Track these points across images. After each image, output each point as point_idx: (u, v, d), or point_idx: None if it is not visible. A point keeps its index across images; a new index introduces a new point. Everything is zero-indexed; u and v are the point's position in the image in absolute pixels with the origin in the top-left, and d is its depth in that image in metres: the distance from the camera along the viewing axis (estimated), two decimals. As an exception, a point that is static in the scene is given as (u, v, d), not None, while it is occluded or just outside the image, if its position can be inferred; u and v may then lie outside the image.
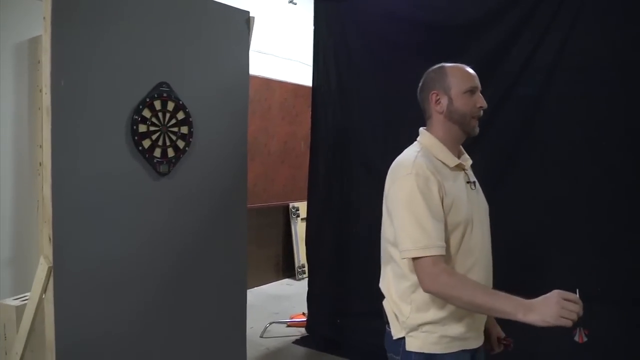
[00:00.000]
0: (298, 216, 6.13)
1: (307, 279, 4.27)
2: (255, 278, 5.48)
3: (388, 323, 1.73)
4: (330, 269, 3.97)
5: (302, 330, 4.22)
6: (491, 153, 2.99)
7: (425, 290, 1.54)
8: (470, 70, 1.74)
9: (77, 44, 2.35)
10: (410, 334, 1.65)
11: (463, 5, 3.31)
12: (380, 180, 3.63)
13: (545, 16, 3.01)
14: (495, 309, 1.44)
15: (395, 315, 1.69)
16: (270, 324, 4.38)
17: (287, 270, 6.12)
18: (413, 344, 1.64)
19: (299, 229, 6.04)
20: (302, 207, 5.94)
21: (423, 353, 1.63)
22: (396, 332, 1.68)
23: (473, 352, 1.71)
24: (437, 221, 1.55)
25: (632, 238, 2.80)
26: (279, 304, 5.10)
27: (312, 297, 4.09)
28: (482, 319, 1.73)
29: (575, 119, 2.94)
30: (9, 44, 3.47)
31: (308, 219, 4.17)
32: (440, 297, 1.54)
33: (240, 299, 3.23)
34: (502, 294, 1.45)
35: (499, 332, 1.89)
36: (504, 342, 1.88)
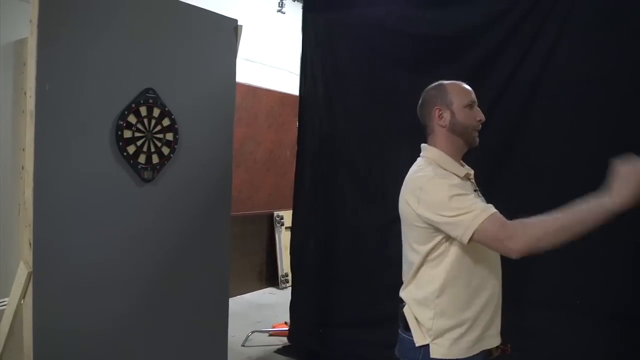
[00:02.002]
0: (282, 225, 6.11)
1: (290, 288, 4.25)
2: (238, 286, 5.44)
3: (405, 330, 1.77)
4: (314, 279, 3.97)
5: (285, 340, 4.20)
6: (477, 163, 3.03)
7: (517, 254, 1.52)
8: (467, 86, 1.84)
9: (63, 48, 2.35)
10: (435, 341, 1.69)
11: (450, 18, 3.34)
12: (366, 189, 3.70)
13: (531, 30, 3.05)
14: (586, 220, 1.47)
15: (419, 322, 1.73)
16: (253, 332, 4.35)
17: (271, 279, 6.09)
18: (437, 351, 1.68)
19: (283, 238, 6.02)
20: (287, 215, 5.93)
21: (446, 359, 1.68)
22: (419, 340, 1.72)
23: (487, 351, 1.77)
24: (472, 197, 1.64)
25: (611, 251, 2.83)
26: (261, 313, 5.07)
27: (295, 307, 4.08)
28: (499, 316, 1.79)
29: (560, 131, 2.98)
30: (-5, 46, 3.44)
31: (293, 228, 4.17)
32: (535, 251, 1.52)
33: (222, 307, 3.21)
34: (577, 208, 1.49)
35: None
36: (502, 347, 1.91)
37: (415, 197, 1.70)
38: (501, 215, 1.59)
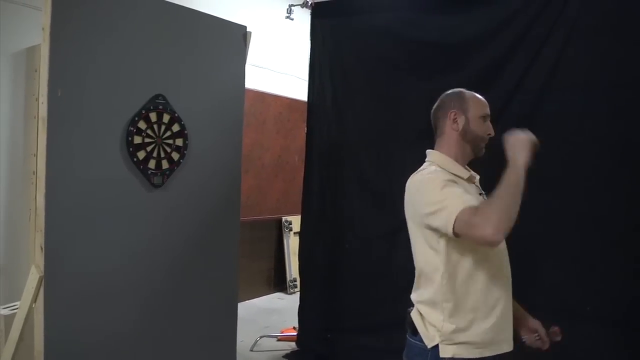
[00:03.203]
0: (291, 230, 6.12)
1: (298, 293, 4.26)
2: (247, 291, 5.45)
3: (413, 334, 1.79)
4: (322, 284, 3.97)
5: (293, 345, 4.20)
6: (484, 169, 3.03)
7: (488, 239, 1.55)
8: (484, 99, 1.89)
9: (75, 55, 2.38)
10: (444, 341, 1.70)
11: (457, 24, 3.35)
12: (374, 195, 3.70)
13: (538, 37, 3.05)
14: (514, 186, 1.61)
15: (428, 323, 1.75)
16: (261, 337, 4.36)
17: (279, 284, 6.10)
18: (447, 350, 1.70)
19: (292, 243, 6.03)
20: (295, 221, 5.94)
21: (456, 359, 1.69)
22: (429, 341, 1.73)
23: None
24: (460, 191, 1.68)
25: (622, 257, 2.82)
26: (269, 318, 5.07)
27: (303, 312, 4.08)
28: (510, 323, 1.80)
29: (567, 137, 2.97)
30: (7, 52, 3.48)
31: (301, 233, 4.17)
32: (501, 229, 1.55)
33: (231, 312, 3.22)
34: (505, 181, 1.61)
35: (535, 324, 1.90)
36: (553, 331, 1.86)
37: (408, 199, 1.79)
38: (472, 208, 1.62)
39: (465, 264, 1.71)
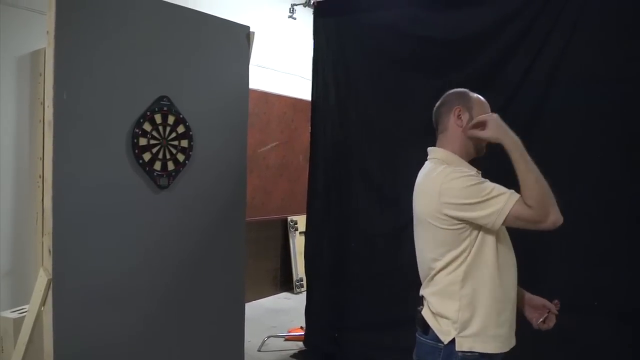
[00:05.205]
0: (296, 230, 6.12)
1: (305, 292, 4.26)
2: (253, 291, 5.46)
3: (424, 333, 1.79)
4: (329, 283, 3.97)
5: (300, 344, 4.20)
6: (488, 165, 3.03)
7: (553, 227, 1.65)
8: (486, 101, 1.91)
9: (80, 58, 2.38)
10: (461, 333, 1.70)
11: (460, 21, 3.34)
12: (379, 194, 3.70)
13: (542, 31, 3.04)
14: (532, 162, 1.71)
15: (442, 317, 1.74)
16: (268, 337, 4.37)
17: (285, 283, 6.10)
18: (464, 344, 1.70)
19: (297, 243, 6.03)
20: (301, 220, 5.94)
21: (474, 352, 1.69)
22: (444, 336, 1.73)
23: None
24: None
25: (629, 250, 2.82)
26: (276, 318, 5.08)
27: (310, 311, 4.08)
28: (515, 316, 1.80)
29: (572, 133, 2.97)
30: (11, 57, 3.49)
31: (306, 233, 4.17)
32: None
33: (238, 313, 3.23)
34: (527, 165, 1.71)
35: (540, 301, 1.90)
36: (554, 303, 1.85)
37: (436, 197, 1.72)
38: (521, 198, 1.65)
39: (483, 255, 1.71)
